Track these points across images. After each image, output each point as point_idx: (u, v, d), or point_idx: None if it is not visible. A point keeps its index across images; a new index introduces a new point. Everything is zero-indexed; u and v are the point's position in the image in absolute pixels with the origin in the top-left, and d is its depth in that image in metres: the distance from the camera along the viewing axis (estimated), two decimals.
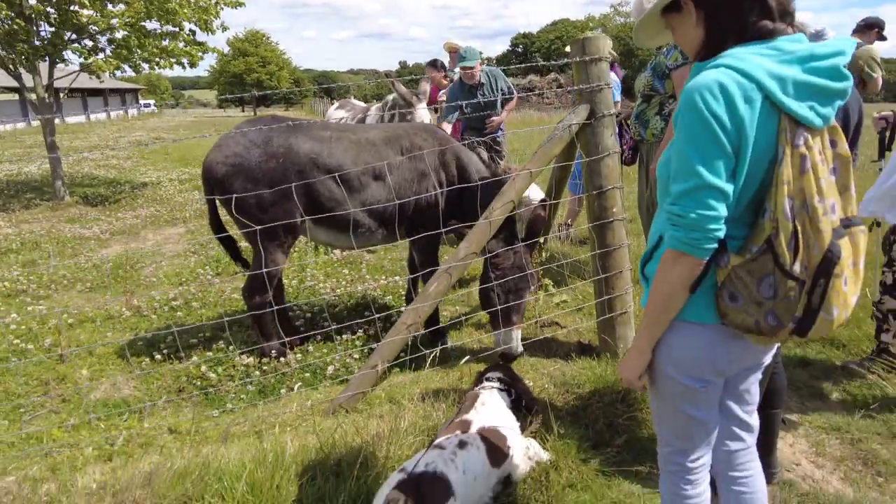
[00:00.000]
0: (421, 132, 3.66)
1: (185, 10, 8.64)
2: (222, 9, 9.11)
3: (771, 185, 1.38)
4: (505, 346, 3.25)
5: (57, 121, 10.02)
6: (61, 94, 10.17)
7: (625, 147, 4.57)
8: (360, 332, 3.87)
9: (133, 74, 10.03)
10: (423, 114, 5.64)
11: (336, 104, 8.24)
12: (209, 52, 9.86)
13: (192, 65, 10.04)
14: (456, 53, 7.45)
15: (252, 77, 57.19)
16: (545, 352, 3.38)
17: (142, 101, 55.36)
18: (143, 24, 8.69)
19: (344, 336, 3.79)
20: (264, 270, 3.29)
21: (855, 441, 2.75)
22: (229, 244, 3.77)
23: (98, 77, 9.66)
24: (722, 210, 1.37)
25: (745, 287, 1.41)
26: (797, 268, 1.35)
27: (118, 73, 9.42)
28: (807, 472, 2.58)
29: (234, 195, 3.14)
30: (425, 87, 6.31)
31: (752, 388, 1.73)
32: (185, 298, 4.66)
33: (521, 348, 3.30)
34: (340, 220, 3.42)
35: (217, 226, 3.66)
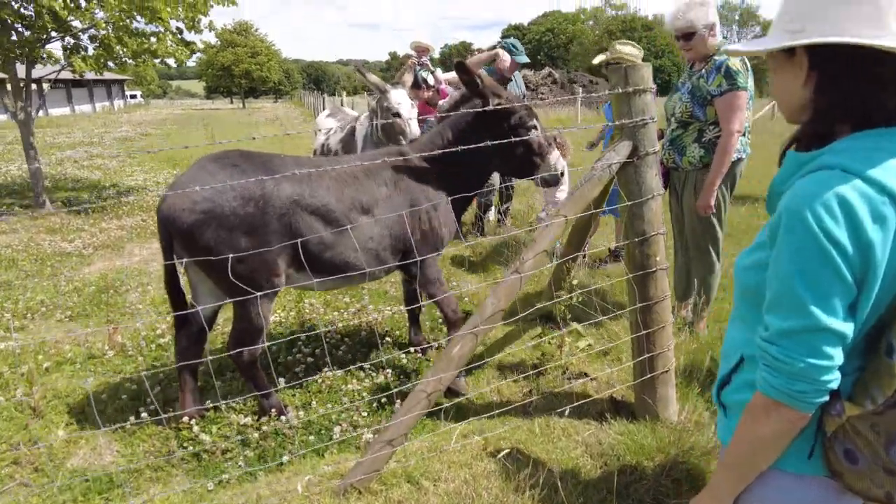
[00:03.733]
0: (394, 155, 3.33)
1: (170, 7, 8.10)
2: (212, 6, 8.58)
3: None
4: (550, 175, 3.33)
5: (40, 113, 9.54)
6: (44, 86, 9.64)
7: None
8: (366, 382, 3.52)
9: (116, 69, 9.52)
10: (400, 97, 5.08)
11: (326, 111, 7.66)
12: (196, 52, 9.37)
13: (179, 64, 9.56)
14: (425, 52, 6.95)
15: (241, 68, 56.23)
16: (576, 411, 3.05)
17: (128, 93, 54.28)
18: (125, 22, 8.17)
19: (349, 386, 3.44)
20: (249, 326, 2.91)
21: None
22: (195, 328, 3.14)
23: (80, 75, 9.17)
24: (838, 357, 1.04)
25: (869, 446, 1.06)
26: None
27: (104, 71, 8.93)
28: None
29: (211, 257, 2.66)
30: (408, 78, 5.77)
31: None
32: (173, 334, 4.27)
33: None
34: (335, 263, 3.05)
35: (176, 295, 3.03)
